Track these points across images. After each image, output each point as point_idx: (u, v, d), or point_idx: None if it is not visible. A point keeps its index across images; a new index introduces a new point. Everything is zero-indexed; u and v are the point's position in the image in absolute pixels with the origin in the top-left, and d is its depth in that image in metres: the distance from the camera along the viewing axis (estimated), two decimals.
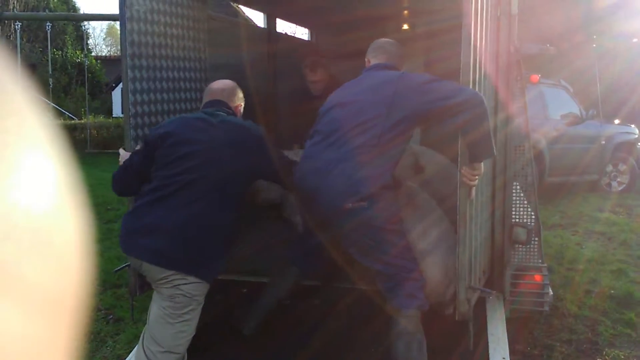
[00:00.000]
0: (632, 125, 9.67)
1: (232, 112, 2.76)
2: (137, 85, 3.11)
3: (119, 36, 3.07)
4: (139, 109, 3.12)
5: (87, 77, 16.59)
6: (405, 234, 2.76)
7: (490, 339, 2.92)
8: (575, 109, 8.51)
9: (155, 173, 2.54)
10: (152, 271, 2.42)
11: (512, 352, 2.90)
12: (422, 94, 2.60)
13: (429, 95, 2.58)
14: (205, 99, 2.82)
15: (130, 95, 3.05)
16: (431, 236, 2.96)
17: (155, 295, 2.50)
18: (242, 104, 2.88)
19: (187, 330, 2.44)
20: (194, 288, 2.42)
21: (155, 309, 2.45)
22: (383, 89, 2.69)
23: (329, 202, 2.63)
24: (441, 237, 2.98)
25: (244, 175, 2.62)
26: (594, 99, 9.26)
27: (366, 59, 3.00)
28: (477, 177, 2.62)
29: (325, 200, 2.64)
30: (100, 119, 17.15)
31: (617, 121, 9.75)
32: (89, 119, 16.02)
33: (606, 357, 3.67)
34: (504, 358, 2.81)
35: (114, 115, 20.47)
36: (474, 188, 2.66)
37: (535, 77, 6.76)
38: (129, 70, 3.03)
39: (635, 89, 11.75)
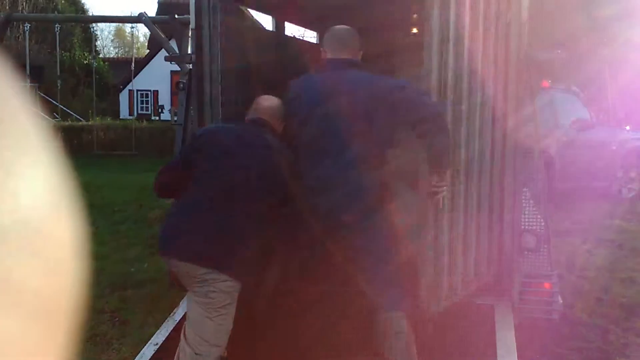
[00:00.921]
0: None
1: (274, 133, 2.87)
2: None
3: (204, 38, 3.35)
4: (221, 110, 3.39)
5: (95, 78, 16.68)
6: (407, 243, 2.84)
7: (499, 346, 2.91)
8: (586, 114, 8.46)
9: (192, 183, 2.73)
10: (189, 269, 2.60)
11: None
12: (396, 104, 2.67)
13: (401, 105, 2.66)
14: (252, 114, 2.90)
15: (221, 96, 3.37)
16: None
17: (191, 297, 2.66)
18: (284, 124, 2.95)
19: (224, 324, 2.60)
20: (227, 286, 2.57)
21: (194, 308, 2.61)
22: (363, 100, 2.69)
23: (331, 215, 2.70)
24: None
25: (269, 190, 2.74)
26: (605, 104, 9.20)
27: (322, 49, 2.89)
28: (444, 187, 2.73)
29: (328, 214, 2.71)
30: (108, 120, 17.20)
31: (628, 127, 9.69)
32: (96, 121, 16.10)
33: None
34: None
35: (121, 117, 20.55)
36: (442, 198, 2.82)
37: (546, 83, 6.72)
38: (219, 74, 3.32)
39: None
